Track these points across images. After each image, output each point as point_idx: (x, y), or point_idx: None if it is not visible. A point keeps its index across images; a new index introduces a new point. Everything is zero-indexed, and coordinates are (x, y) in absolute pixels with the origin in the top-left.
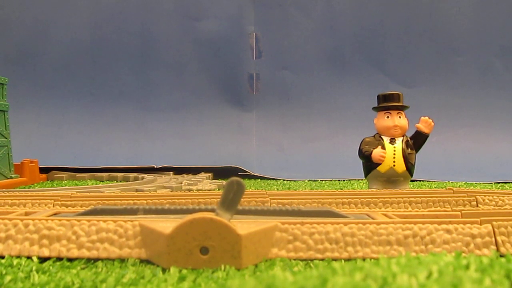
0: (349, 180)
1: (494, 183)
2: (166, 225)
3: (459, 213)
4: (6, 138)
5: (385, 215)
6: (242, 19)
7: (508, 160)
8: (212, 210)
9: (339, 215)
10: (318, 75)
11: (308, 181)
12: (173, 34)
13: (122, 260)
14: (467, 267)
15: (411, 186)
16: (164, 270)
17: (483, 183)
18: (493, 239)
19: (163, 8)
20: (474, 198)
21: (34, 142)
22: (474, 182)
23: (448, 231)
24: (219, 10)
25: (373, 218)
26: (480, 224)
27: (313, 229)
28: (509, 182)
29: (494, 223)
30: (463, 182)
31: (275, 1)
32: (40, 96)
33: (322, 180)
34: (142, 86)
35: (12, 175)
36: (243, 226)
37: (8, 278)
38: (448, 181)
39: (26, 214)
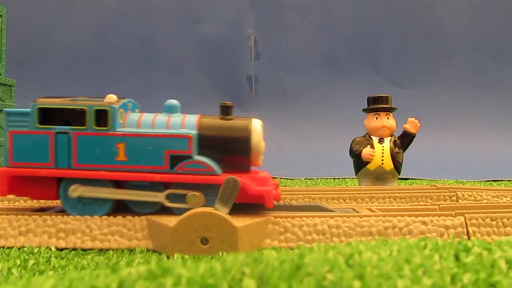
0: (344, 178)
1: (484, 181)
2: (170, 218)
3: (437, 207)
4: None
5: (369, 209)
6: (241, 22)
7: (499, 159)
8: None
9: (326, 210)
10: (315, 76)
11: (304, 179)
12: (174, 36)
13: (131, 249)
14: (424, 247)
15: (402, 184)
16: (168, 258)
17: (473, 181)
18: (465, 229)
19: (164, 11)
20: (454, 193)
21: None
22: (464, 180)
23: (424, 223)
24: (219, 13)
25: (357, 212)
26: (454, 217)
27: (302, 222)
28: (497, 180)
29: (466, 215)
30: (453, 180)
31: (273, 5)
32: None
33: (318, 179)
34: (144, 86)
35: None
36: (239, 219)
37: (31, 262)
38: (439, 179)
39: (41, 209)
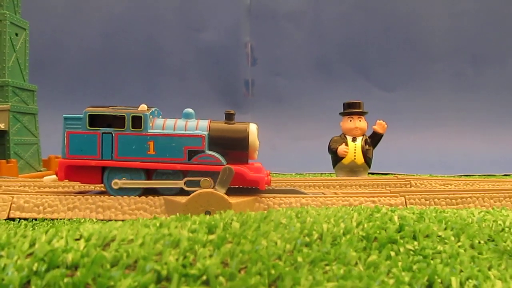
0: (330, 173)
1: (457, 175)
2: (181, 197)
3: (389, 191)
4: (36, 137)
5: (335, 193)
6: (238, 30)
7: (474, 156)
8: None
9: (300, 192)
10: (307, 80)
11: (295, 174)
12: (177, 44)
13: None
14: (352, 210)
15: None
16: None
17: (447, 176)
18: (405, 207)
19: (167, 20)
20: (409, 182)
21: (57, 140)
22: (440, 175)
23: (373, 202)
24: (218, 22)
25: (324, 194)
26: (397, 197)
27: (281, 201)
28: (468, 175)
29: (406, 196)
30: (429, 175)
31: (268, 14)
32: (58, 100)
33: (307, 173)
34: (149, 90)
35: (41, 168)
36: (233, 197)
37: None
38: (416, 174)
39: (81, 192)
